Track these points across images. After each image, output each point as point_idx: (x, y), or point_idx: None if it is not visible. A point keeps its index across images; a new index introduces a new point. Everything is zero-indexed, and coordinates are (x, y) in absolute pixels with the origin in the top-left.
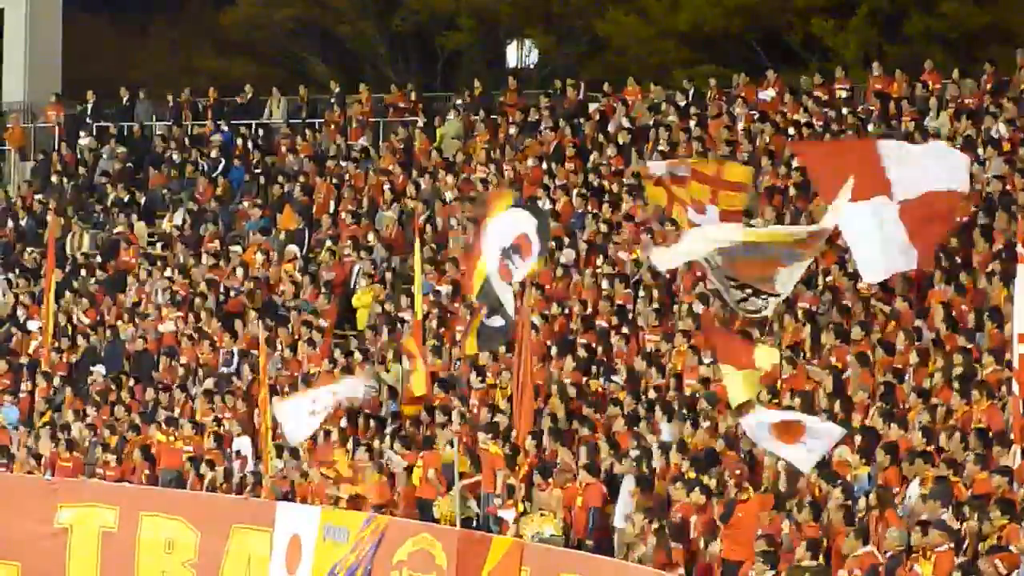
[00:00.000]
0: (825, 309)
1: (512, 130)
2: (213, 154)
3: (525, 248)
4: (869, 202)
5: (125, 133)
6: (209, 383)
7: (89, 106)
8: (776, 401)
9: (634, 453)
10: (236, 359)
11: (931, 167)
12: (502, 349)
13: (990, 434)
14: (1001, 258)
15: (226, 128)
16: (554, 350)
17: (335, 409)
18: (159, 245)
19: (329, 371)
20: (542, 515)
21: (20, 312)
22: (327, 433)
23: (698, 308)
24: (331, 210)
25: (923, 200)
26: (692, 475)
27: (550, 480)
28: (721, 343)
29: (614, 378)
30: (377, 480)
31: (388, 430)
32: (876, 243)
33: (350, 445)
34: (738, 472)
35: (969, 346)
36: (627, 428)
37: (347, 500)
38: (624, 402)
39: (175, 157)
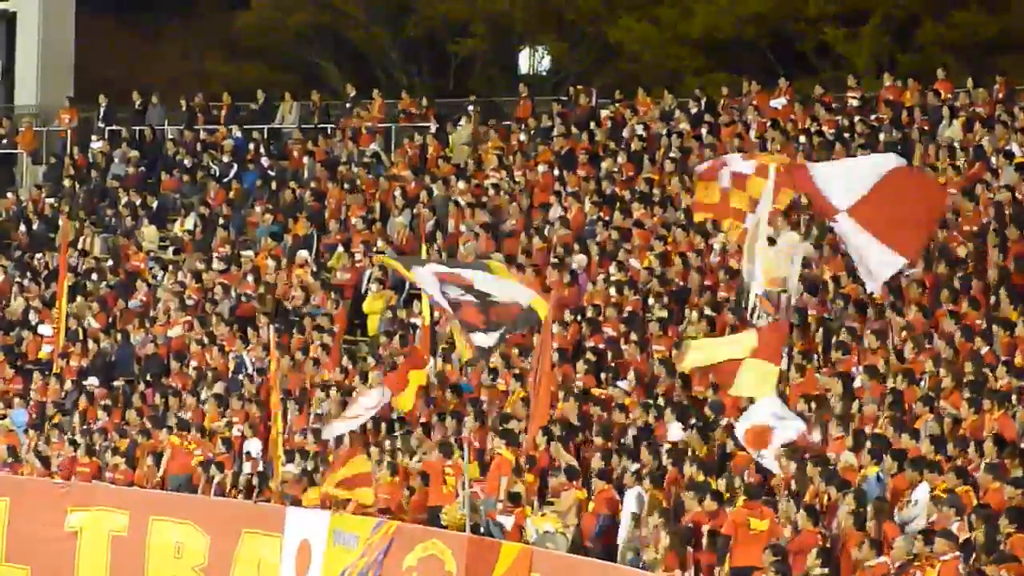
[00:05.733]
0: (836, 316)
1: (524, 136)
2: (225, 159)
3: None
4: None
5: (137, 137)
6: (219, 387)
7: (101, 110)
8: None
9: (635, 466)
10: (247, 363)
11: (855, 168)
12: (515, 352)
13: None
14: (1012, 270)
15: (238, 133)
16: (564, 356)
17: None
18: (170, 249)
19: (343, 378)
20: (543, 515)
21: (32, 316)
22: (339, 440)
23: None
24: (342, 215)
25: (873, 198)
26: (701, 478)
27: (574, 482)
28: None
29: (620, 384)
30: (389, 483)
31: (397, 434)
32: (859, 255)
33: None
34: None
35: (983, 352)
36: (636, 434)
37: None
38: (631, 408)
39: (187, 162)
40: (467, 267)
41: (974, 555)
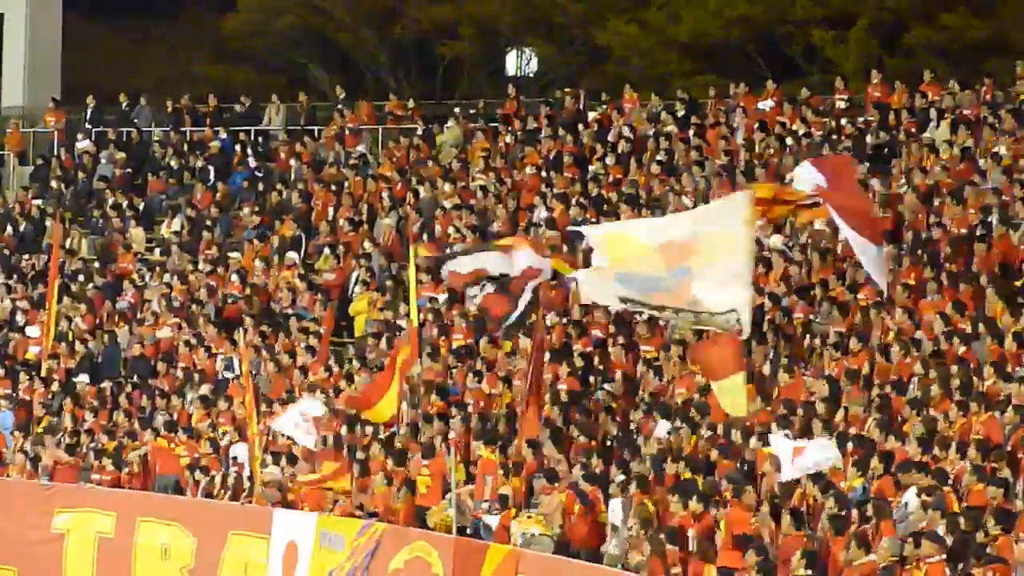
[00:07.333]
0: (822, 319)
1: (510, 139)
2: (212, 161)
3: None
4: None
5: (124, 139)
6: (206, 389)
7: (88, 111)
8: (769, 408)
9: (620, 477)
10: (235, 365)
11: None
12: (500, 355)
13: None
14: (998, 270)
15: (225, 135)
16: (552, 358)
17: (315, 422)
18: (157, 251)
19: (327, 378)
20: (529, 517)
21: (19, 317)
22: (323, 440)
23: None
24: (329, 217)
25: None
26: (688, 475)
27: (555, 485)
28: (703, 357)
29: (607, 386)
30: (384, 491)
31: (382, 436)
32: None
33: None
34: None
35: (966, 355)
36: (622, 437)
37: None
38: (618, 410)
39: (173, 163)
40: (477, 252)
41: (959, 556)
